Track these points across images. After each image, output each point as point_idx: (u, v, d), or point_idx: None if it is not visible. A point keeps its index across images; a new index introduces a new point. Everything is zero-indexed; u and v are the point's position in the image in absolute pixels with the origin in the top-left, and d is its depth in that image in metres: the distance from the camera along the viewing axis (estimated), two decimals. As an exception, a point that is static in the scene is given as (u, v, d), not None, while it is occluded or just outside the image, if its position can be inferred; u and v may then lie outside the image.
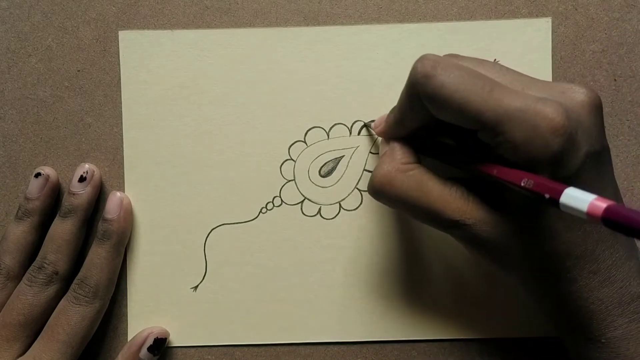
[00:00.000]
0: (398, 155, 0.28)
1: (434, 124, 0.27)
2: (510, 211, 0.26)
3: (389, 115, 0.30)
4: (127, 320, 0.34)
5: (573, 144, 0.24)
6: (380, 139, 0.32)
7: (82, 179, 0.33)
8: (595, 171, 0.25)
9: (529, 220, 0.26)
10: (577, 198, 0.21)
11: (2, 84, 0.35)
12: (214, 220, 0.34)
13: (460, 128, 0.26)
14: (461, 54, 0.28)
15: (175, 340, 0.34)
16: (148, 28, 0.34)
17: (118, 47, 0.34)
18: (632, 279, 0.26)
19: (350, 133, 0.34)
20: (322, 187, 0.34)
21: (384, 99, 0.34)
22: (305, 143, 0.34)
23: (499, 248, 0.26)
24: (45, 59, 0.34)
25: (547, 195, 0.22)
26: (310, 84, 0.34)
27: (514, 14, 0.34)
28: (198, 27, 0.34)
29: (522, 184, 0.23)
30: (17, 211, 0.33)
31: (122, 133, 0.34)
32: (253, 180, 0.34)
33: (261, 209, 0.34)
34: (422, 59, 0.26)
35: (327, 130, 0.34)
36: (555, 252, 0.26)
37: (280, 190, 0.34)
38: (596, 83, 0.34)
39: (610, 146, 0.34)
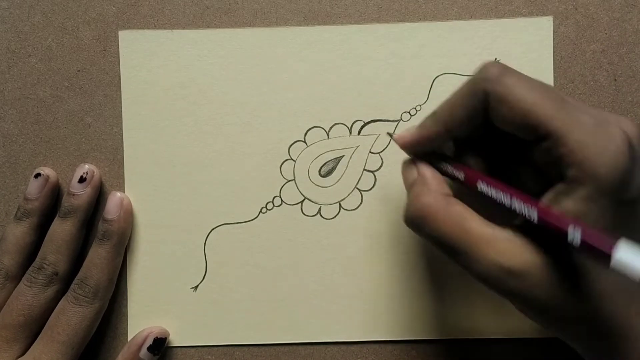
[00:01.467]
0: (434, 186, 0.26)
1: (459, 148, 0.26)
2: (558, 254, 0.23)
3: (422, 123, 0.27)
4: (127, 320, 0.34)
5: (635, 168, 0.23)
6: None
7: (82, 180, 0.33)
8: None
9: (580, 261, 0.23)
10: (634, 255, 0.18)
11: (2, 84, 0.35)
12: (214, 220, 0.34)
13: (510, 146, 0.25)
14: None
15: (175, 340, 0.34)
16: (148, 28, 0.34)
17: (118, 47, 0.34)
18: None
19: (350, 133, 0.34)
20: (322, 187, 0.34)
21: (384, 99, 0.34)
22: (305, 143, 0.34)
23: (542, 296, 0.23)
24: (45, 59, 0.34)
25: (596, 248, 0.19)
26: (310, 84, 0.34)
27: (514, 13, 0.34)
28: (198, 27, 0.34)
29: (569, 237, 0.20)
30: (17, 211, 0.33)
31: (122, 133, 0.34)
32: (253, 180, 0.34)
33: (261, 209, 0.34)
34: (491, 62, 0.25)
35: (327, 130, 0.34)
36: (606, 291, 0.23)
37: (280, 190, 0.34)
38: (596, 83, 0.34)
39: (611, 146, 0.34)
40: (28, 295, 0.32)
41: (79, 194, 0.33)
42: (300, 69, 0.34)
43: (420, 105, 0.34)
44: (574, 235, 0.20)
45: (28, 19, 0.34)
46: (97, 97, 0.34)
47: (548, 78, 0.34)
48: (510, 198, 0.23)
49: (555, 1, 0.34)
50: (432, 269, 0.34)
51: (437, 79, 0.34)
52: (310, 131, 0.34)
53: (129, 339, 0.33)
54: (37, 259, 0.32)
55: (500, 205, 0.24)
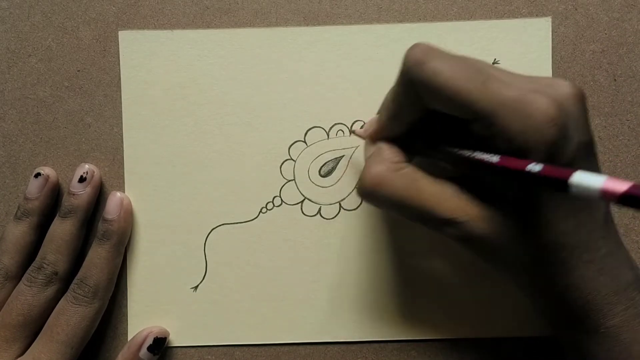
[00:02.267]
0: (387, 155, 0.28)
1: (424, 122, 0.27)
2: (503, 206, 0.26)
3: (379, 115, 0.29)
4: (127, 320, 0.34)
5: (566, 133, 0.24)
6: (363, 142, 0.32)
7: (82, 179, 0.33)
8: (586, 162, 0.25)
9: (523, 213, 0.26)
10: (590, 178, 0.21)
11: (2, 84, 0.35)
12: (214, 220, 0.34)
13: (452, 122, 0.26)
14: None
15: (175, 340, 0.34)
16: (148, 28, 0.34)
17: (118, 47, 0.34)
18: (624, 266, 0.26)
19: (350, 133, 0.34)
20: (322, 187, 0.34)
21: (383, 98, 0.34)
22: (305, 143, 0.34)
23: (493, 245, 0.26)
24: (45, 59, 0.34)
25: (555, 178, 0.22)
26: (310, 84, 0.34)
27: (513, 13, 0.34)
28: (198, 27, 0.34)
29: (528, 169, 0.23)
30: (17, 211, 0.33)
31: (122, 133, 0.34)
32: (253, 180, 0.34)
33: (261, 209, 0.34)
34: (414, 46, 0.26)
35: (327, 130, 0.34)
36: (550, 243, 0.25)
37: (280, 190, 0.34)
38: (596, 83, 0.34)
39: (610, 146, 0.34)
40: (28, 295, 0.32)
41: (79, 194, 0.33)
42: (300, 69, 0.34)
43: (420, 105, 0.34)
44: (534, 168, 0.22)
45: (28, 19, 0.34)
46: (97, 97, 0.34)
47: (548, 78, 0.34)
48: (472, 152, 0.25)
49: (555, 1, 0.34)
50: (432, 268, 0.34)
51: (437, 79, 0.34)
52: (310, 131, 0.34)
53: (129, 339, 0.33)
54: (37, 258, 0.32)
55: (460, 161, 0.26)
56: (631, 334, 0.26)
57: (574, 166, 0.24)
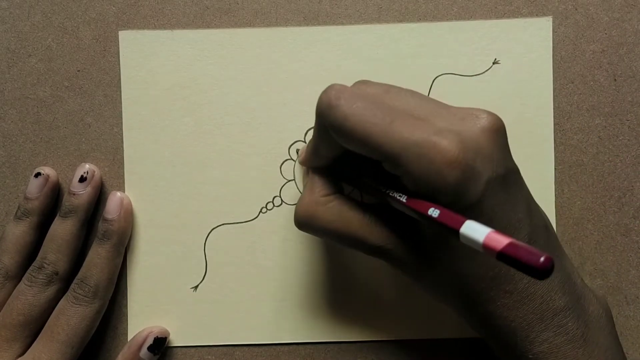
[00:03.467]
0: (317, 188, 0.29)
1: (350, 154, 0.27)
2: (424, 236, 0.27)
3: (307, 145, 0.30)
4: (127, 320, 0.34)
5: (471, 174, 0.24)
6: (304, 169, 0.33)
7: (82, 179, 0.33)
8: (502, 195, 0.25)
9: (441, 244, 0.26)
10: (475, 230, 0.21)
11: (2, 84, 0.35)
12: (214, 220, 0.34)
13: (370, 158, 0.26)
14: (372, 81, 0.29)
15: (175, 340, 0.34)
16: (148, 28, 0.34)
17: (118, 47, 0.34)
18: (554, 292, 0.26)
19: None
20: (322, 187, 0.34)
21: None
22: (305, 143, 0.34)
23: (419, 270, 0.27)
24: (45, 59, 0.34)
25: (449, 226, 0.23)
26: (310, 84, 0.34)
27: (514, 13, 0.34)
28: (198, 27, 0.34)
29: (429, 214, 0.23)
30: (17, 211, 0.33)
31: (122, 133, 0.34)
32: (253, 180, 0.34)
33: (261, 209, 0.34)
34: (328, 89, 0.26)
35: (327, 130, 0.34)
36: (469, 274, 0.26)
37: (280, 190, 0.34)
38: (596, 83, 0.34)
39: (610, 146, 0.34)
40: (28, 294, 0.32)
41: (80, 194, 0.33)
42: (300, 69, 0.34)
43: (420, 105, 0.34)
44: (433, 213, 0.23)
45: (28, 19, 0.34)
46: (97, 97, 0.34)
47: (547, 78, 0.34)
48: (386, 189, 0.27)
49: (555, 1, 0.34)
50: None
51: (437, 79, 0.34)
52: (310, 131, 0.34)
53: (129, 339, 0.34)
54: (38, 258, 0.32)
55: (379, 195, 0.28)
56: (562, 359, 0.26)
57: (483, 204, 0.24)
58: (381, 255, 0.28)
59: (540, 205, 0.28)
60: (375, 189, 0.28)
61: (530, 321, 0.26)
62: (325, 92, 0.26)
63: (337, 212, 0.28)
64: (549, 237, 0.27)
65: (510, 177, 0.25)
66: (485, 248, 0.20)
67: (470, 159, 0.24)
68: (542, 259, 0.19)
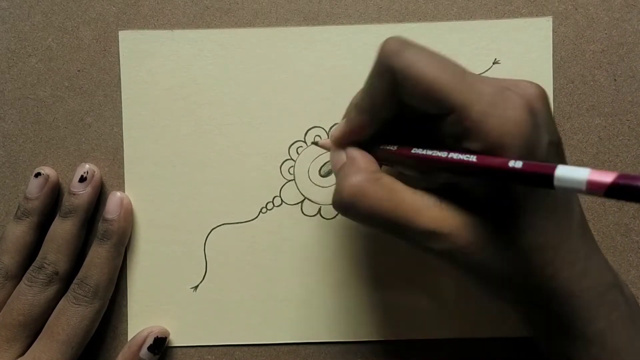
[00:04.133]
0: (363, 164, 0.26)
1: (390, 128, 0.26)
2: (482, 213, 0.25)
3: (346, 118, 0.28)
4: (127, 320, 0.34)
5: (539, 132, 0.23)
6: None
7: (82, 179, 0.33)
8: (557, 161, 0.24)
9: (504, 217, 0.24)
10: (574, 171, 0.20)
11: (2, 84, 0.35)
12: (214, 220, 0.34)
13: (419, 126, 0.25)
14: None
15: (175, 340, 0.34)
16: (148, 28, 0.34)
17: (118, 47, 0.34)
18: (604, 268, 0.26)
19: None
20: (322, 187, 0.34)
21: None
22: (305, 143, 0.34)
23: (476, 256, 0.25)
24: (45, 59, 0.34)
25: (540, 173, 0.21)
26: (310, 84, 0.34)
27: (513, 13, 0.34)
28: (198, 27, 0.34)
29: (510, 166, 0.21)
30: (17, 211, 0.33)
31: (122, 133, 0.34)
32: (253, 180, 0.34)
33: (261, 209, 0.34)
34: (389, 39, 0.25)
35: (327, 130, 0.34)
36: (534, 244, 0.24)
37: (280, 190, 0.34)
38: (596, 83, 0.34)
39: (610, 146, 0.34)
40: (28, 294, 0.32)
41: (80, 194, 0.33)
42: (300, 69, 0.34)
43: (420, 105, 0.34)
44: (515, 164, 0.21)
45: (28, 19, 0.34)
46: (97, 97, 0.34)
47: (547, 78, 0.34)
48: (448, 153, 0.24)
49: (555, 1, 0.34)
50: (431, 268, 0.34)
51: (437, 79, 0.34)
52: (310, 131, 0.34)
53: (129, 339, 0.34)
54: (38, 258, 0.32)
55: (435, 164, 0.25)
56: (617, 338, 0.25)
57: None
58: (433, 241, 0.24)
59: None
60: (429, 159, 0.25)
61: (588, 297, 0.25)
62: (387, 41, 0.25)
63: (389, 190, 0.25)
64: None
65: (560, 147, 0.25)
66: (592, 185, 0.19)
67: (536, 117, 0.23)
68: None
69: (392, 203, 0.25)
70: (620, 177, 0.19)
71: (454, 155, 0.23)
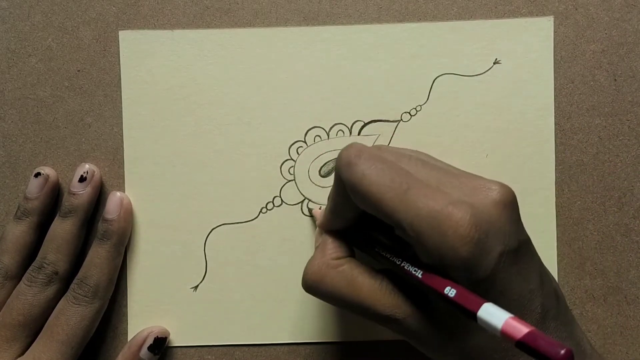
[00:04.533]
0: (329, 250, 0.28)
1: (366, 218, 0.27)
2: (435, 306, 0.26)
3: (325, 207, 0.30)
4: (127, 320, 0.34)
5: (483, 248, 0.23)
6: (317, 229, 0.32)
7: (82, 179, 0.33)
8: (514, 268, 0.24)
9: (453, 315, 0.25)
10: (494, 315, 0.21)
11: (2, 84, 0.35)
12: (214, 220, 0.34)
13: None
14: (387, 146, 0.29)
15: (175, 340, 0.34)
16: (148, 28, 0.34)
17: (118, 47, 0.34)
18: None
19: (350, 133, 0.34)
20: (322, 187, 0.34)
21: (384, 99, 0.34)
22: (305, 143, 0.34)
23: (428, 341, 0.26)
24: (45, 59, 0.34)
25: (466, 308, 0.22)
26: (310, 84, 0.34)
27: (514, 13, 0.34)
28: (198, 27, 0.34)
29: (445, 293, 0.23)
30: (17, 211, 0.33)
31: (122, 133, 0.34)
32: (253, 180, 0.34)
33: (261, 209, 0.34)
34: (349, 146, 0.26)
35: (327, 130, 0.34)
36: (481, 346, 0.25)
37: (280, 190, 0.34)
38: (596, 83, 0.34)
39: (610, 146, 0.34)
40: (28, 294, 0.32)
41: (80, 194, 0.33)
42: (300, 69, 0.34)
43: (420, 106, 0.34)
44: (450, 292, 0.23)
45: (28, 19, 0.34)
46: (97, 97, 0.34)
47: (548, 78, 0.34)
48: (401, 262, 0.26)
49: (555, 1, 0.34)
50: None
51: (437, 79, 0.34)
52: (310, 131, 0.34)
53: (129, 339, 0.33)
54: (37, 258, 0.32)
55: (392, 266, 0.27)
56: None
57: (495, 277, 0.24)
58: (390, 324, 0.27)
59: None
60: (389, 261, 0.27)
61: None
62: (346, 149, 0.26)
63: (348, 277, 0.27)
64: (559, 304, 0.26)
65: (522, 249, 0.25)
66: (504, 335, 0.20)
67: (482, 233, 0.23)
68: (562, 351, 0.19)
69: (350, 290, 0.27)
70: (529, 334, 0.20)
71: (405, 266, 0.26)
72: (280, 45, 0.34)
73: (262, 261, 0.34)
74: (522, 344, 0.20)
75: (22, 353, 0.32)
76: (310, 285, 0.28)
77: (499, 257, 0.24)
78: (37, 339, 0.32)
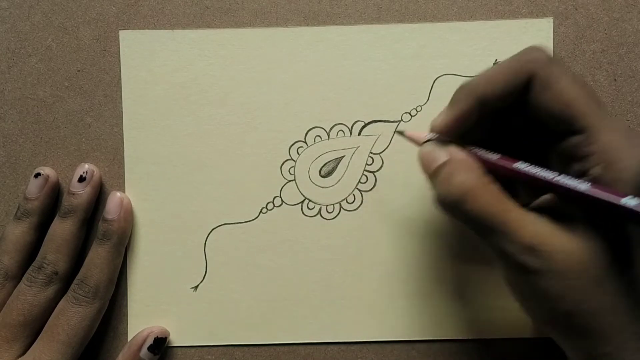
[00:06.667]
0: (474, 165, 0.25)
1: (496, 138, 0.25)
2: (587, 238, 0.23)
3: (454, 97, 0.26)
4: (127, 320, 0.34)
5: None
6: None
7: (82, 179, 0.33)
8: None
9: (612, 248, 0.23)
10: None
11: (2, 84, 0.35)
12: (214, 220, 0.34)
13: (530, 136, 0.25)
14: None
15: (175, 340, 0.34)
16: (148, 28, 0.34)
17: (118, 47, 0.34)
18: None
19: (351, 133, 0.34)
20: (323, 187, 0.34)
21: (384, 99, 0.34)
22: (306, 143, 0.34)
23: (567, 283, 0.23)
24: (45, 59, 0.34)
25: None
26: (310, 84, 0.34)
27: (514, 14, 0.34)
28: (198, 27, 0.34)
29: (622, 203, 0.20)
30: (17, 211, 0.33)
31: (122, 133, 0.34)
32: (253, 180, 0.34)
33: (261, 209, 0.34)
34: (538, 47, 0.25)
35: (327, 130, 0.34)
36: None
37: (281, 190, 0.34)
38: (596, 83, 0.34)
39: (611, 146, 0.34)
40: (28, 294, 0.32)
41: (79, 194, 0.33)
42: (300, 69, 0.34)
43: (420, 106, 0.34)
44: (629, 202, 0.20)
45: (28, 19, 0.34)
46: (97, 97, 0.34)
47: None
48: (557, 175, 0.23)
49: (555, 1, 0.34)
50: (431, 269, 0.34)
51: (437, 79, 0.34)
52: (310, 131, 0.34)
53: (129, 339, 0.34)
54: (37, 258, 0.32)
55: (536, 184, 0.23)
56: None
57: None
58: (529, 256, 0.23)
59: None
60: (536, 177, 0.23)
61: None
62: (538, 47, 0.25)
63: (497, 195, 0.24)
64: None
65: None
66: None
67: None
68: None
69: (499, 210, 0.24)
70: None
71: (565, 180, 0.22)
72: (280, 45, 0.34)
73: (262, 261, 0.34)
74: None
75: (23, 353, 0.32)
76: (457, 202, 0.24)
77: None
78: (38, 339, 0.32)
